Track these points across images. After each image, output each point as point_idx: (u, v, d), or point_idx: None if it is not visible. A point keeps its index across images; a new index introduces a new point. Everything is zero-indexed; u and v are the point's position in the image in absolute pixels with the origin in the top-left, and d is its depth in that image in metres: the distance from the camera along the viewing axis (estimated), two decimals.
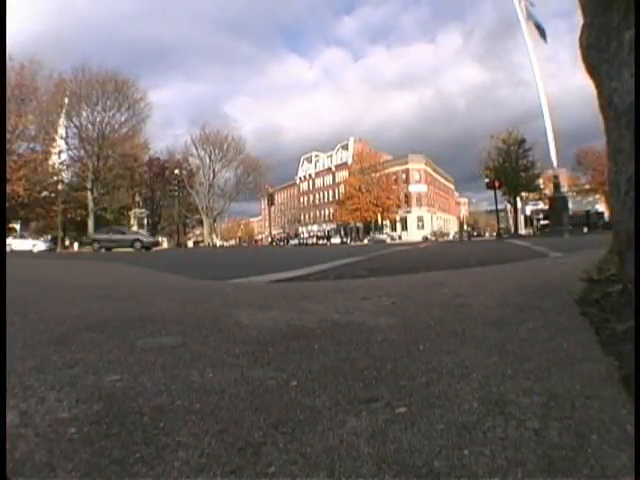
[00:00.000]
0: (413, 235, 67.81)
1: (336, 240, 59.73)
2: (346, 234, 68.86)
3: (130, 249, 28.22)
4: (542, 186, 50.05)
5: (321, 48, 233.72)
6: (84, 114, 46.35)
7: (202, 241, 60.22)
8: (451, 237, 63.05)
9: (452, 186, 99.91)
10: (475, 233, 67.97)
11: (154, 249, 27.22)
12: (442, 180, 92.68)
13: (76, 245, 44.99)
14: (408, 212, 75.31)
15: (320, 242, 58.43)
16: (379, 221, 68.55)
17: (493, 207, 41.27)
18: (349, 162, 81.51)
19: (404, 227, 74.79)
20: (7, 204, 32.48)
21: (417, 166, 78.31)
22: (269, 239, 67.43)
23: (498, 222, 40.75)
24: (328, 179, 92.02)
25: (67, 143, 46.55)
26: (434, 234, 68.84)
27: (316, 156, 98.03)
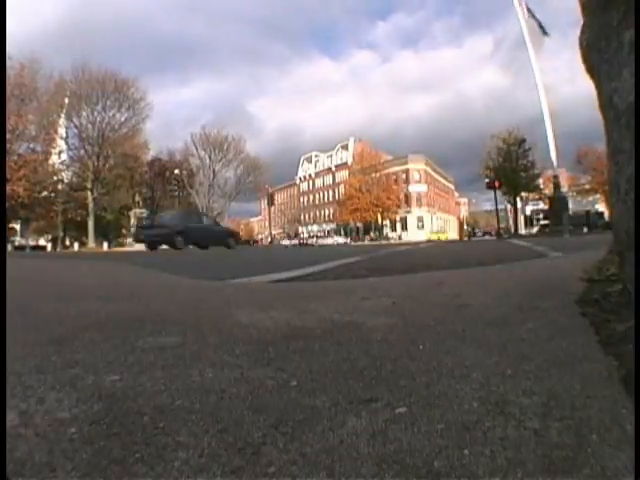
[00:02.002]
0: (413, 235, 67.74)
1: (328, 240, 59.60)
2: (346, 234, 68.94)
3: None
4: (542, 186, 50.10)
5: (352, 51, 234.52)
6: (84, 114, 46.47)
7: None
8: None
9: (452, 186, 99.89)
10: (481, 232, 67.73)
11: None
12: (442, 180, 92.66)
13: (76, 245, 44.94)
14: (408, 212, 75.33)
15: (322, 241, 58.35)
16: (379, 221, 68.56)
17: (493, 207, 41.27)
18: (349, 162, 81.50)
19: (404, 227, 74.81)
20: (7, 204, 32.48)
21: (417, 166, 78.30)
22: (269, 239, 67.46)
23: (498, 222, 40.78)
24: (328, 179, 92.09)
25: (67, 143, 46.65)
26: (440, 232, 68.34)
27: (316, 156, 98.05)
